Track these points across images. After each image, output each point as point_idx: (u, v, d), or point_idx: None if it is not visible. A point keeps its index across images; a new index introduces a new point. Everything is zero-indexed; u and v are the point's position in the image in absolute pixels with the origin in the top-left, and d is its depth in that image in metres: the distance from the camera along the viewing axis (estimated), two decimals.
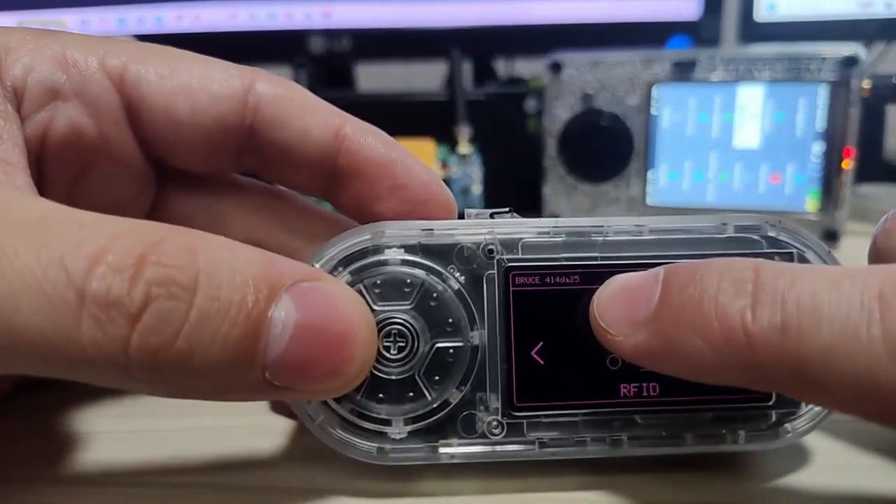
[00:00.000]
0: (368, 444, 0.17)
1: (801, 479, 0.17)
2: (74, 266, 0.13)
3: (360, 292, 0.17)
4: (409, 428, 0.17)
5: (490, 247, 0.17)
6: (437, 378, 0.17)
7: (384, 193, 0.20)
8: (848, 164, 0.40)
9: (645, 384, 0.17)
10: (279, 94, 0.20)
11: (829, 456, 0.18)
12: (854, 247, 0.42)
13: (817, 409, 0.17)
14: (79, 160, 0.19)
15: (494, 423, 0.17)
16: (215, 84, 0.19)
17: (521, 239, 0.17)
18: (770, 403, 0.17)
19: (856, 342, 0.13)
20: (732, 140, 0.42)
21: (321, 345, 0.15)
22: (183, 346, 0.14)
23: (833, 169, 0.40)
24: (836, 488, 0.17)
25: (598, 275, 0.16)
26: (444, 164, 0.46)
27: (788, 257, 0.17)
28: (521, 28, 0.55)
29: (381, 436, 0.17)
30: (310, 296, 0.15)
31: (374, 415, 0.17)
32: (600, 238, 0.17)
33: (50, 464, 0.18)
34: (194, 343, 0.14)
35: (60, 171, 0.19)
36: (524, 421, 0.17)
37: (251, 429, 0.20)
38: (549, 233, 0.17)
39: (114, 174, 0.20)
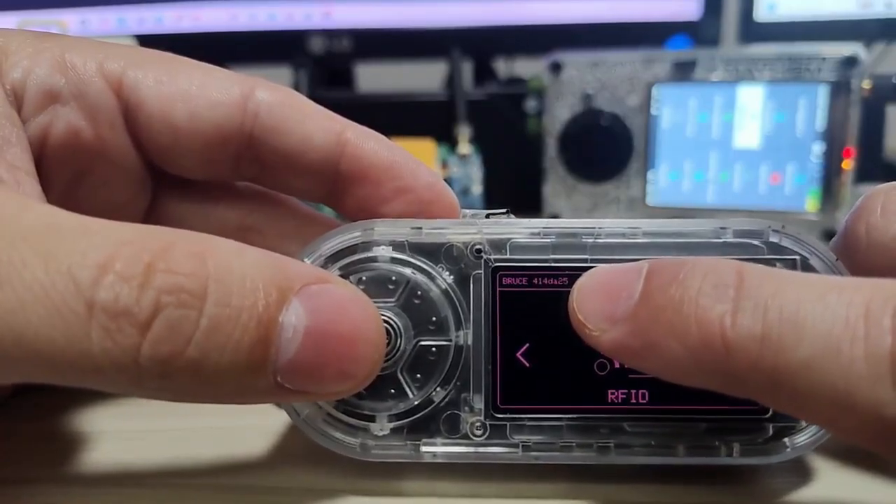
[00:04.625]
0: (351, 439, 0.17)
1: (803, 492, 0.17)
2: (82, 275, 0.13)
3: None
4: (392, 425, 0.17)
5: (478, 246, 0.17)
6: (418, 376, 0.17)
7: (390, 196, 0.20)
8: (848, 164, 0.40)
9: (634, 391, 0.16)
10: (279, 100, 0.20)
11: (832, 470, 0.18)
12: None
13: None
14: (76, 163, 0.19)
15: (478, 424, 0.17)
16: (214, 90, 0.19)
17: (510, 239, 0.17)
18: (767, 416, 0.16)
19: (836, 359, 0.13)
20: (732, 140, 0.42)
21: (331, 348, 0.15)
22: (194, 354, 0.14)
23: (833, 169, 0.40)
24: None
25: None
26: (444, 164, 0.46)
27: (791, 264, 0.16)
28: (521, 28, 0.55)
29: (365, 432, 0.17)
30: (318, 299, 0.15)
31: (357, 410, 0.17)
32: (591, 240, 0.17)
33: (50, 464, 0.18)
34: (206, 351, 0.14)
35: (58, 173, 0.19)
36: (508, 423, 0.17)
37: (251, 429, 0.20)
38: (539, 234, 0.17)
39: (111, 177, 0.20)
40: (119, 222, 0.14)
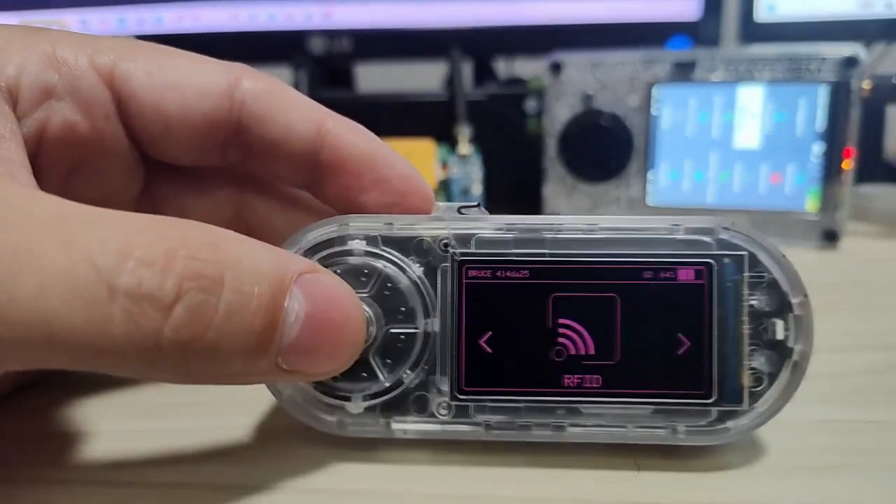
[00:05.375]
0: (329, 417, 0.18)
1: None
2: (103, 262, 0.13)
3: None
4: (366, 404, 0.18)
5: (445, 241, 0.18)
6: (388, 361, 0.18)
7: (369, 186, 0.21)
8: (848, 165, 0.40)
9: (588, 376, 0.18)
10: (264, 89, 0.20)
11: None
12: (854, 247, 0.42)
13: (762, 408, 0.17)
14: (72, 155, 0.19)
15: (444, 404, 0.18)
16: (203, 80, 0.20)
17: (476, 235, 0.18)
18: (711, 401, 0.17)
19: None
20: (733, 140, 0.42)
21: (325, 331, 0.16)
22: (212, 338, 0.14)
23: (833, 169, 0.41)
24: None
25: (546, 270, 0.17)
26: (444, 165, 0.46)
27: (739, 259, 0.17)
28: (521, 28, 0.55)
29: (341, 410, 0.18)
30: (314, 286, 0.16)
31: (334, 392, 0.18)
32: (551, 235, 0.18)
33: (50, 464, 0.18)
34: (222, 334, 0.14)
35: (56, 166, 0.19)
36: (471, 404, 0.18)
37: (252, 428, 0.20)
38: (503, 229, 0.18)
39: (105, 167, 0.20)
40: (127, 212, 0.15)
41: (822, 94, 0.40)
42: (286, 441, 0.19)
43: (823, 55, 0.40)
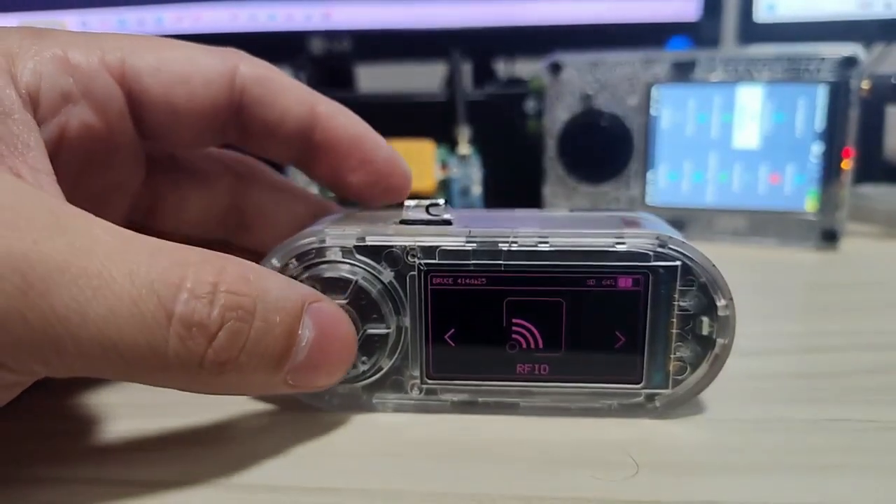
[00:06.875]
0: (319, 394, 0.21)
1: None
2: (162, 291, 0.15)
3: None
4: (351, 385, 0.21)
5: (412, 252, 0.20)
6: (364, 359, 0.21)
7: (356, 166, 0.23)
8: (848, 165, 0.40)
9: (537, 365, 0.20)
10: (261, 74, 0.22)
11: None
12: (854, 247, 0.42)
13: (682, 391, 0.20)
14: (86, 153, 0.20)
15: (416, 386, 0.21)
16: (205, 69, 0.21)
17: (439, 247, 0.20)
18: (640, 385, 0.20)
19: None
20: (732, 140, 0.42)
21: (327, 354, 0.18)
22: (243, 359, 0.16)
23: (833, 169, 0.41)
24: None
25: (501, 278, 0.20)
26: (444, 165, 0.46)
27: (673, 269, 0.19)
28: (521, 28, 0.56)
29: (332, 389, 0.21)
30: (320, 315, 0.18)
31: None
32: (506, 247, 0.19)
33: (51, 463, 0.18)
34: (251, 357, 0.16)
35: (71, 165, 0.19)
36: (438, 387, 0.21)
37: (253, 428, 0.20)
38: (463, 241, 0.20)
39: (113, 161, 0.21)
40: (175, 244, 0.16)
41: (822, 95, 0.40)
42: (291, 440, 0.19)
43: (823, 55, 0.40)
